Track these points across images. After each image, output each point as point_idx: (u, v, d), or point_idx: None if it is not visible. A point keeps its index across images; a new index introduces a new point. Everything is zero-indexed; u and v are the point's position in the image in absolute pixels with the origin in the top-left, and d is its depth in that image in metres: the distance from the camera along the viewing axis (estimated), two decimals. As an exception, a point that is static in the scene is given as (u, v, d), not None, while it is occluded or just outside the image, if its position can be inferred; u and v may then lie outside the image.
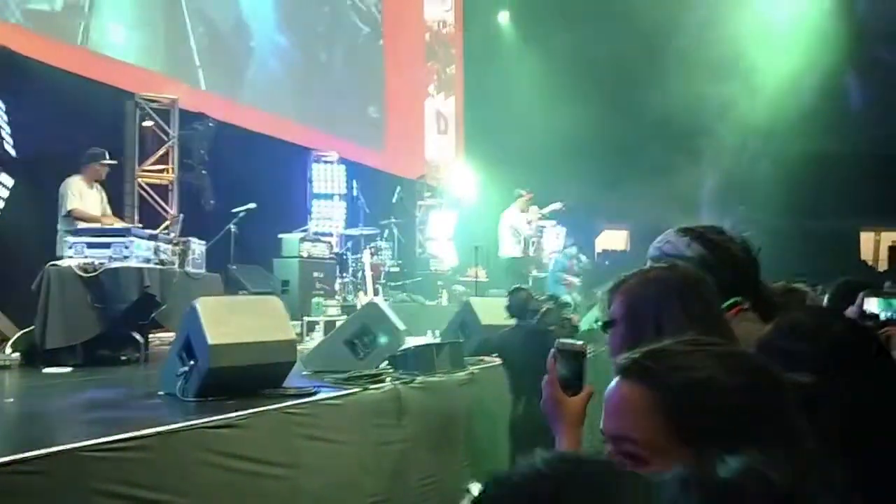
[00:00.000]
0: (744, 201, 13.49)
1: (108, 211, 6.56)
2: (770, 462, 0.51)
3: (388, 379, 4.45)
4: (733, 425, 0.81)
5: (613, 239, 15.15)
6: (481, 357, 5.77)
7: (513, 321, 5.37)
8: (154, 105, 8.12)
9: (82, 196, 6.28)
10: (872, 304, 2.14)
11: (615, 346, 1.43)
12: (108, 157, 6.48)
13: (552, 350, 1.46)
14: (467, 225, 11.16)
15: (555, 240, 11.86)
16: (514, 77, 14.27)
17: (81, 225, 6.04)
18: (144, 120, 8.02)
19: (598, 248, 14.69)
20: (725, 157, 13.56)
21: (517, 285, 5.74)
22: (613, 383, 0.91)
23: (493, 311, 6.30)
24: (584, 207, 13.73)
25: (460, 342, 5.57)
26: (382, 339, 4.90)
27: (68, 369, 5.04)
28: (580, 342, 1.47)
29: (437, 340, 6.15)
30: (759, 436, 0.77)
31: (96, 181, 6.44)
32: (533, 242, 10.77)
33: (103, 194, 6.54)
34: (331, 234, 10.24)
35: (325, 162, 10.61)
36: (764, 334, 1.30)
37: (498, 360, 5.78)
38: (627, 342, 1.31)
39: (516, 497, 0.57)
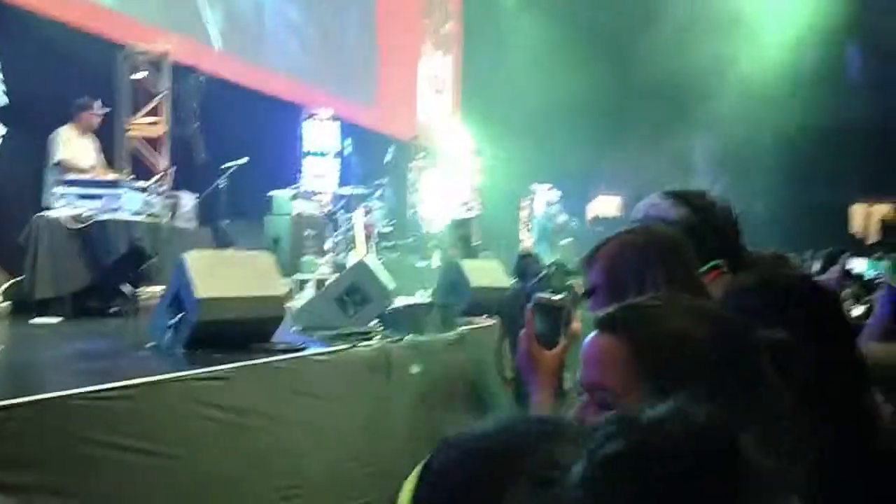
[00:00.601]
0: (733, 170, 13.49)
1: (103, 161, 6.50)
2: (707, 406, 0.52)
3: (377, 337, 4.47)
4: (699, 374, 0.83)
5: (607, 205, 15.15)
6: (471, 318, 5.80)
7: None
8: (145, 57, 7.99)
9: (73, 145, 6.21)
10: (859, 265, 2.15)
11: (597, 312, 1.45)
12: (100, 105, 6.39)
13: (529, 304, 1.47)
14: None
15: (546, 203, 11.89)
16: (513, 37, 14.12)
17: (71, 176, 5.99)
18: (136, 72, 7.91)
19: (591, 215, 14.70)
20: (721, 124, 13.52)
21: (523, 249, 5.77)
22: (590, 336, 0.94)
23: (483, 273, 6.34)
24: (579, 173, 13.74)
25: (451, 303, 5.63)
26: (371, 298, 4.91)
27: (57, 320, 5.04)
28: (559, 296, 1.48)
29: (428, 300, 6.16)
30: (724, 385, 0.79)
31: (89, 131, 6.36)
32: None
33: (97, 144, 6.47)
34: (323, 193, 10.20)
35: (318, 119, 10.51)
36: (719, 295, 1.32)
37: (489, 321, 5.82)
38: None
39: (464, 460, 0.58)
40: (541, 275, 5.19)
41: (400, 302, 5.61)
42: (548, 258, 10.74)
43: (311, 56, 11.01)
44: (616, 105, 13.75)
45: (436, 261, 10.22)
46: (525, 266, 5.33)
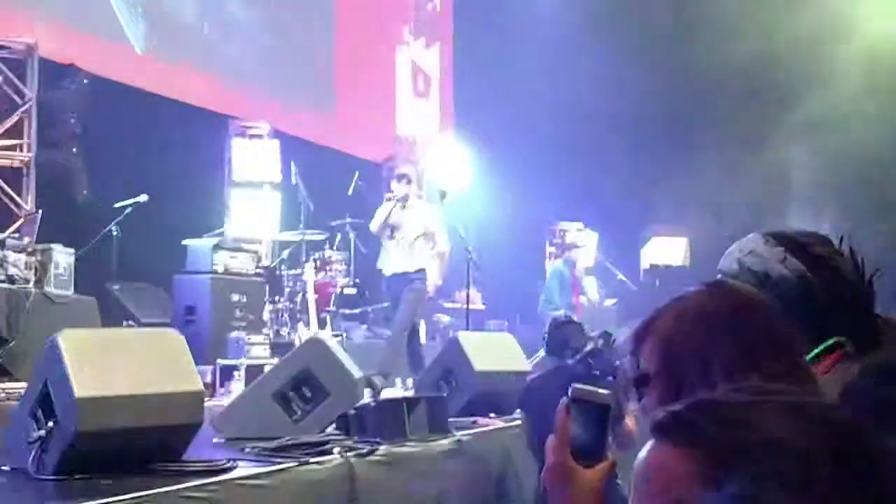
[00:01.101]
0: (852, 195, 13.54)
1: None
2: None
3: (337, 449, 4.46)
4: None
5: (666, 250, 15.21)
6: (475, 418, 5.78)
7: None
8: (3, 52, 8.04)
9: None
10: None
11: (650, 409, 1.44)
12: None
13: (563, 400, 1.48)
14: (455, 227, 11.21)
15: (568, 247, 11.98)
16: (525, 18, 14.36)
17: None
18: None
19: (645, 263, 14.76)
20: (831, 128, 13.57)
21: (564, 313, 5.80)
22: (646, 448, 0.96)
23: (492, 351, 6.38)
24: (625, 206, 13.83)
25: (443, 396, 5.62)
26: (329, 392, 4.91)
27: None
28: (605, 391, 1.49)
29: (411, 394, 6.15)
30: None
31: None
32: None
33: None
34: (258, 241, 10.20)
35: (252, 136, 10.59)
36: (850, 379, 1.34)
37: (499, 422, 5.78)
38: (667, 403, 1.33)
39: None
40: (585, 350, 5.21)
41: (370, 397, 5.60)
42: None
43: (241, 47, 11.17)
44: (676, 108, 13.93)
45: (422, 336, 10.24)
46: (564, 337, 5.34)
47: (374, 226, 8.27)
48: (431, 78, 14.99)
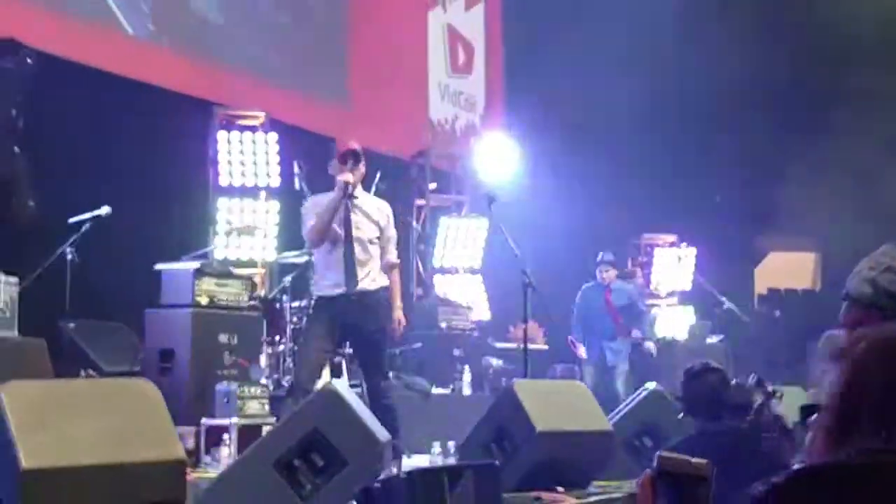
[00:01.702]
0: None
1: None
2: None
3: None
4: None
5: (789, 269, 15.10)
6: (538, 494, 5.78)
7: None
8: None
9: None
10: None
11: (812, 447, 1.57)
12: None
13: (646, 472, 1.54)
14: (507, 244, 11.17)
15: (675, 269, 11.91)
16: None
17: None
18: None
19: (760, 287, 14.65)
20: None
21: (703, 361, 5.82)
22: None
23: (557, 406, 6.38)
24: (731, 212, 13.75)
25: (495, 465, 5.59)
26: (347, 460, 4.93)
27: None
28: (701, 461, 1.55)
29: (453, 461, 6.23)
30: None
31: None
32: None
33: None
34: (253, 264, 10.22)
35: (243, 128, 10.65)
36: None
37: (570, 498, 5.77)
38: (830, 439, 1.49)
39: None
40: (756, 405, 5.24)
41: (400, 466, 5.68)
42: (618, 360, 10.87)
43: (229, 17, 11.27)
44: (798, 85, 13.85)
45: (467, 385, 10.25)
46: (713, 389, 5.36)
47: (314, 234, 7.48)
48: (474, 48, 15.01)
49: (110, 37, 9.97)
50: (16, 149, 7.89)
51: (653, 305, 13.06)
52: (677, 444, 5.27)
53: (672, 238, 13.28)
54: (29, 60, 7.96)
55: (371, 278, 7.38)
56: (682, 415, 5.56)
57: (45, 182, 8.05)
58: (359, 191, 7.55)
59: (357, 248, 7.37)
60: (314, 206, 7.54)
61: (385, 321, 7.48)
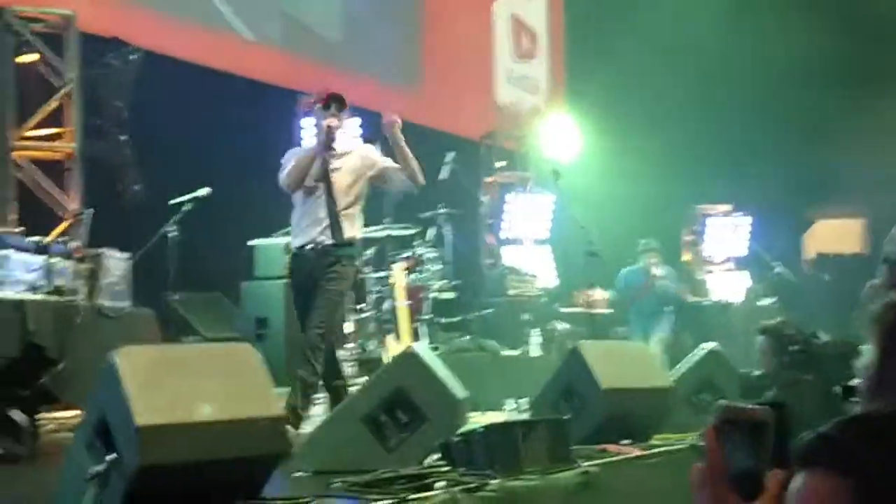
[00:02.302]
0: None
1: None
2: None
3: (441, 483, 4.52)
4: None
5: (837, 234, 14.87)
6: (604, 446, 5.80)
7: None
8: (38, 26, 8.33)
9: None
10: None
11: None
12: None
13: (711, 421, 1.51)
14: (573, 216, 11.17)
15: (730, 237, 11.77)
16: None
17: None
18: (22, 52, 8.25)
19: (809, 252, 14.48)
20: None
21: (777, 319, 5.81)
22: (798, 477, 1.02)
23: (621, 366, 6.37)
24: (780, 181, 13.61)
25: (565, 419, 5.62)
26: (428, 416, 5.01)
27: None
28: (763, 406, 1.51)
29: (526, 416, 6.24)
30: None
31: None
32: None
33: None
34: (337, 239, 10.36)
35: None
36: None
37: (635, 450, 5.80)
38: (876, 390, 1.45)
39: None
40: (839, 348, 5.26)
41: (477, 421, 5.68)
42: (660, 329, 10.85)
43: (311, 12, 11.34)
44: (846, 58, 13.59)
45: (536, 347, 10.32)
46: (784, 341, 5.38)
47: (289, 178, 6.57)
48: (537, 34, 14.96)
49: (207, 34, 10.14)
50: (122, 137, 8.03)
51: (707, 272, 13.05)
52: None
53: (726, 207, 13.17)
54: (132, 57, 8.10)
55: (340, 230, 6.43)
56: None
57: (149, 168, 8.20)
58: (340, 142, 6.64)
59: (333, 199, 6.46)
60: (292, 155, 6.74)
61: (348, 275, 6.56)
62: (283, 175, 6.53)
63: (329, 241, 6.39)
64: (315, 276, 6.36)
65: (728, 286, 12.88)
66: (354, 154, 6.73)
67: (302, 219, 6.56)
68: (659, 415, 6.52)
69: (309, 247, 6.43)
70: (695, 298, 12.09)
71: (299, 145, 10.37)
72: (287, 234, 8.89)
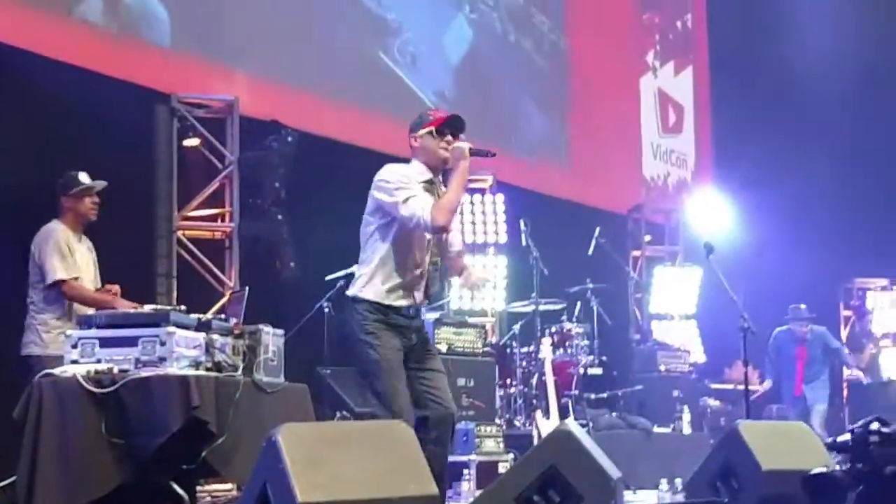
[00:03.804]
0: None
1: (98, 277, 6.81)
2: None
3: None
4: None
5: None
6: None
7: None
8: (202, 112, 8.63)
9: (73, 255, 6.55)
10: None
11: None
12: (88, 179, 6.57)
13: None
14: (722, 290, 10.95)
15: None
16: (800, 24, 13.99)
17: (82, 309, 6.37)
18: (187, 136, 8.54)
19: None
20: None
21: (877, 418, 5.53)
22: None
23: (781, 446, 6.20)
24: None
25: (723, 502, 5.62)
26: (583, 495, 4.91)
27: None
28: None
29: (680, 498, 6.19)
30: None
31: (81, 227, 6.67)
32: None
33: (92, 251, 6.79)
34: (486, 314, 10.29)
35: (473, 191, 10.79)
36: None
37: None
38: None
39: None
40: None
41: (630, 501, 5.51)
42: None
43: (456, 89, 11.43)
44: None
45: (686, 424, 10.09)
46: None
47: (445, 216, 5.18)
48: (684, 108, 14.92)
49: (360, 115, 10.25)
50: (279, 216, 8.17)
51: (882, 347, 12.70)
52: None
53: (884, 282, 12.79)
54: (289, 140, 8.28)
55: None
56: None
57: (303, 246, 8.29)
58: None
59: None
60: (404, 177, 5.29)
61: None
62: (424, 209, 5.17)
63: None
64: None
65: (889, 362, 12.48)
66: None
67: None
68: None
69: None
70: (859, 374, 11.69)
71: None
72: (435, 309, 8.92)
